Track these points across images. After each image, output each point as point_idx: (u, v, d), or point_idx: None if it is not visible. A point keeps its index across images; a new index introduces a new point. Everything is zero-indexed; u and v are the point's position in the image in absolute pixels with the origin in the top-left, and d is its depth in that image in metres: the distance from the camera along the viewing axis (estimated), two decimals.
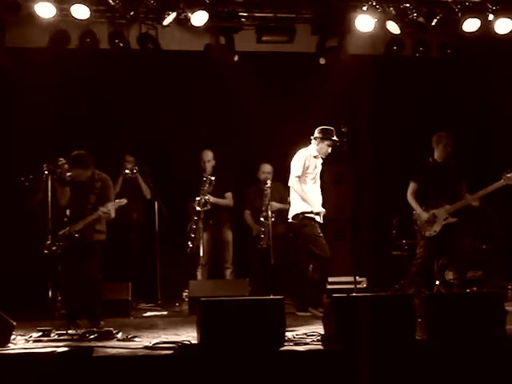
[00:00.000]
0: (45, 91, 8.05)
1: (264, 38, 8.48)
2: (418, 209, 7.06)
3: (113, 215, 6.45)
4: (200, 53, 8.53)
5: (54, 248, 6.27)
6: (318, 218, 6.99)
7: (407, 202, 7.19)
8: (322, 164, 7.12)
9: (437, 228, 6.96)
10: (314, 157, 7.04)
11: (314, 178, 7.05)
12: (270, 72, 8.88)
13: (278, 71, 8.95)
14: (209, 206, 7.77)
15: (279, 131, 8.57)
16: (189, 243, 7.78)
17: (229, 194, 8.19)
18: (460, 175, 7.09)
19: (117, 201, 6.45)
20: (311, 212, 6.91)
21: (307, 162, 6.98)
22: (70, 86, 8.38)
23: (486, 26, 8.15)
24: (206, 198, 7.78)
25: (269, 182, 8.02)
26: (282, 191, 8.23)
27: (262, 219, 7.95)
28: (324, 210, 6.98)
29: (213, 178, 7.85)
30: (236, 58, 8.43)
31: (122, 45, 8.24)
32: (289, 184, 7.10)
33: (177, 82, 8.66)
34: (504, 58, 8.82)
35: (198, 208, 7.78)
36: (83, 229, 6.28)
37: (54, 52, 8.10)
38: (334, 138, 6.94)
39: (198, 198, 7.79)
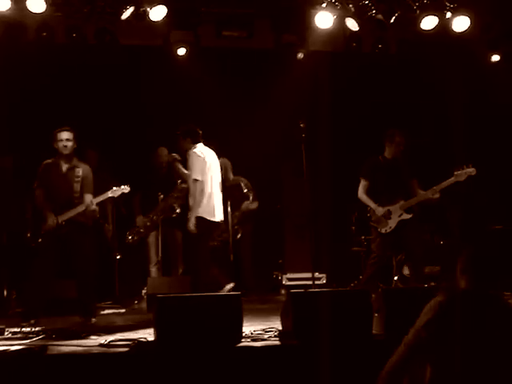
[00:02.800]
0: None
1: (224, 33, 8.44)
2: (371, 204, 7.07)
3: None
4: (159, 48, 8.45)
5: (39, 240, 6.17)
6: None
7: (359, 200, 7.18)
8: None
9: (392, 224, 6.98)
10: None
11: None
12: (230, 68, 8.86)
13: (238, 67, 8.93)
14: (176, 214, 7.76)
15: (239, 126, 8.55)
16: (128, 235, 7.90)
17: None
18: (410, 171, 7.12)
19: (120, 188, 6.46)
20: None
21: None
22: (24, 80, 8.23)
23: (444, 24, 8.23)
24: (175, 206, 7.79)
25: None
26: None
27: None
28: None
29: (183, 186, 7.80)
30: (182, 52, 8.38)
31: (79, 39, 8.12)
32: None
33: (135, 76, 8.59)
34: (460, 54, 8.93)
35: (177, 210, 7.79)
36: (70, 219, 6.21)
37: (8, 45, 7.93)
38: None
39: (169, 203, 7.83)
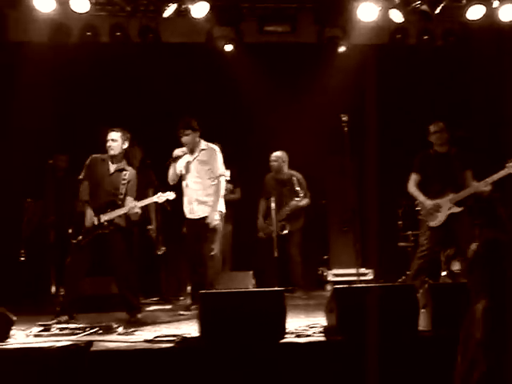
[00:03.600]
0: (45, 86, 8.02)
1: (266, 29, 8.41)
2: (420, 197, 6.94)
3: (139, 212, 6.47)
4: (201, 45, 8.47)
5: (79, 238, 6.20)
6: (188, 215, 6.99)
7: (409, 194, 7.07)
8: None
9: (441, 218, 6.83)
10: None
11: None
12: (273, 63, 8.82)
13: (281, 62, 8.89)
14: None
15: (283, 122, 8.50)
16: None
17: (237, 189, 8.24)
18: (463, 164, 6.96)
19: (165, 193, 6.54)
20: None
21: None
22: (71, 80, 8.35)
23: (491, 13, 8.05)
24: None
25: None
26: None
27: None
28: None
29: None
30: (230, 48, 8.36)
31: (123, 38, 8.21)
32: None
33: (179, 74, 8.63)
34: (509, 44, 8.71)
35: None
36: (113, 219, 6.27)
37: (54, 46, 8.05)
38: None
39: None
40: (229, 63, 8.47)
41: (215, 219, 6.80)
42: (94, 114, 8.34)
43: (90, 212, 6.28)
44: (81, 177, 6.46)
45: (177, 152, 6.91)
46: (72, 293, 6.22)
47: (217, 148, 7.03)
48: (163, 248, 8.19)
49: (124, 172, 6.41)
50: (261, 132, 8.77)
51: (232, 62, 8.45)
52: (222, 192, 6.96)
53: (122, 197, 6.34)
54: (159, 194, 6.57)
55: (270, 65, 8.75)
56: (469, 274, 3.17)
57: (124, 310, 6.34)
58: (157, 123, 8.57)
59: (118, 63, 8.52)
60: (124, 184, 6.36)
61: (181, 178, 7.01)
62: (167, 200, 7.72)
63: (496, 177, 6.80)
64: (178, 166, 6.96)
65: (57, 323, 5.71)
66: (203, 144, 7.01)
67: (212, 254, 6.78)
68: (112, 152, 6.37)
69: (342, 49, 8.62)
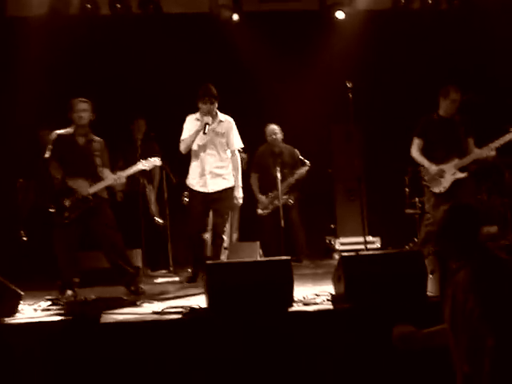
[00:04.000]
0: (46, 59, 7.95)
1: None
2: (425, 162, 6.85)
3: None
4: (203, 14, 8.39)
5: (66, 214, 6.05)
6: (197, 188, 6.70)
7: (413, 159, 7.00)
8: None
9: (446, 184, 6.75)
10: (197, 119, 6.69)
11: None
12: (275, 32, 8.72)
13: (282, 30, 8.78)
14: None
15: (286, 90, 8.43)
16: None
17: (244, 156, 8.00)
18: (466, 130, 6.87)
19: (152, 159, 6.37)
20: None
21: None
22: (71, 54, 8.26)
23: None
24: None
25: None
26: (293, 153, 8.20)
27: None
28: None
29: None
30: (235, 18, 8.25)
31: (123, 9, 8.14)
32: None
33: (181, 45, 8.50)
34: None
35: None
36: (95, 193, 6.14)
37: (53, 20, 7.98)
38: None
39: None
40: (230, 32, 8.39)
41: (241, 195, 6.73)
42: (94, 88, 8.23)
43: (79, 181, 6.10)
44: (47, 155, 6.20)
45: (208, 120, 6.46)
46: (70, 268, 6.15)
47: (233, 120, 6.77)
48: (161, 221, 8.14)
49: (94, 143, 6.23)
50: (264, 101, 8.69)
51: (234, 31, 8.37)
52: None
53: (100, 168, 6.21)
54: (143, 161, 6.34)
55: (272, 33, 8.65)
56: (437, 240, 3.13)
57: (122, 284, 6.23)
58: (160, 95, 8.51)
59: (119, 36, 8.40)
60: (97, 155, 6.20)
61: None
62: (172, 172, 7.76)
63: (500, 142, 6.72)
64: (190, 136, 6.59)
65: (64, 299, 5.71)
66: (220, 115, 6.71)
67: (225, 230, 6.70)
68: (83, 122, 6.14)
69: (342, 15, 8.49)
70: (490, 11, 8.57)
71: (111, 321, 4.71)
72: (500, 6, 8.54)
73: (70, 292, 5.97)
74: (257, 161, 8.35)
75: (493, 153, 6.76)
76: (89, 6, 8.02)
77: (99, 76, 8.35)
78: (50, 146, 6.18)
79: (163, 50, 8.44)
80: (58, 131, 6.23)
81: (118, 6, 8.04)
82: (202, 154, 6.62)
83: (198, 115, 6.67)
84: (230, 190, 6.67)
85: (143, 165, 6.33)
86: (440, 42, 8.91)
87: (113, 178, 6.18)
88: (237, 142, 6.75)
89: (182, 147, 6.65)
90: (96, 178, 6.16)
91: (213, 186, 6.60)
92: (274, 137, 8.15)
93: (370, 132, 8.80)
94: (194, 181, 6.68)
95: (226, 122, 6.71)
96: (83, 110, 6.14)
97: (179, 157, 6.87)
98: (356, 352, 4.58)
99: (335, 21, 8.62)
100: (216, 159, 6.63)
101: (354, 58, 8.56)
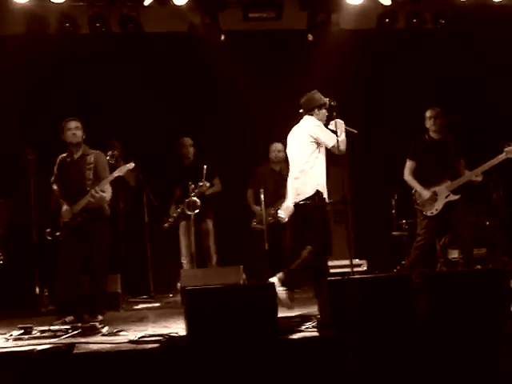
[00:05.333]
0: (24, 79, 7.76)
1: (251, 15, 8.19)
2: (417, 187, 6.75)
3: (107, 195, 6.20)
4: (184, 34, 8.25)
5: (57, 233, 6.06)
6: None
7: (405, 181, 6.87)
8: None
9: (438, 206, 6.65)
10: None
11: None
12: (258, 51, 8.58)
13: (267, 50, 8.64)
14: (197, 211, 7.52)
15: (269, 111, 8.26)
16: (165, 221, 7.80)
17: (217, 180, 7.95)
18: (457, 151, 6.77)
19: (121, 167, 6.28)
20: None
21: None
22: (51, 73, 8.09)
23: None
24: (197, 202, 7.53)
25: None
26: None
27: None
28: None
29: (207, 185, 7.59)
30: (222, 38, 8.13)
31: (103, 29, 7.98)
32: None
33: (162, 64, 8.37)
34: (501, 27, 8.51)
35: (188, 212, 7.55)
36: (85, 207, 6.06)
37: (32, 39, 7.79)
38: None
39: (187, 200, 7.56)
40: (213, 52, 8.22)
41: None
42: (73, 107, 8.06)
43: (64, 207, 6.11)
44: (52, 179, 6.31)
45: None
46: (71, 291, 6.01)
47: None
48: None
49: (88, 157, 6.19)
50: (247, 122, 8.53)
51: (216, 50, 8.20)
52: None
53: (90, 182, 6.10)
54: (118, 169, 6.29)
55: (255, 53, 8.52)
56: None
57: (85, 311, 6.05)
58: (139, 116, 8.32)
59: (99, 55, 8.23)
60: (90, 168, 6.13)
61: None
62: (153, 195, 7.57)
63: (492, 163, 6.64)
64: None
65: (62, 324, 5.55)
66: None
67: None
68: (76, 140, 6.15)
69: (327, 34, 8.39)
70: (476, 31, 8.48)
71: (85, 351, 4.47)
72: (485, 26, 8.45)
73: (70, 317, 5.80)
74: (255, 177, 8.20)
75: (479, 178, 6.68)
76: (67, 24, 7.81)
77: (78, 95, 8.15)
78: (54, 170, 6.28)
79: (144, 69, 8.29)
80: (61, 155, 6.28)
81: (98, 25, 7.84)
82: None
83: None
84: None
85: (120, 171, 6.25)
86: (425, 62, 8.82)
87: (90, 194, 6.04)
88: None
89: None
90: (84, 193, 6.07)
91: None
92: (281, 154, 7.96)
93: (356, 153, 8.61)
94: (324, 190, 6.17)
95: None
96: (75, 127, 6.17)
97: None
98: (342, 380, 4.37)
99: (319, 40, 8.48)
100: None
101: (340, 77, 8.43)
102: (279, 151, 8.01)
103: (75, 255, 6.04)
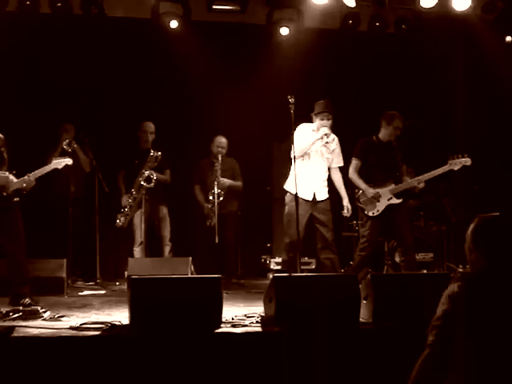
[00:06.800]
0: None
1: (215, 7, 8.13)
2: (362, 185, 6.81)
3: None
4: (147, 20, 8.16)
5: None
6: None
7: (350, 179, 6.93)
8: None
9: (380, 207, 6.73)
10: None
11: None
12: (220, 43, 8.53)
13: (228, 42, 8.60)
14: (153, 183, 7.42)
15: (229, 103, 8.23)
16: (119, 217, 7.50)
17: (167, 171, 7.82)
18: (402, 156, 6.87)
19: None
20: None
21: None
22: (8, 51, 7.88)
23: (444, 2, 7.96)
24: (153, 174, 7.43)
25: (220, 156, 7.73)
26: (233, 166, 7.98)
27: (210, 197, 7.66)
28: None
29: (159, 154, 7.48)
30: (174, 25, 8.13)
31: (64, 9, 7.84)
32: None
33: (122, 49, 8.25)
34: (462, 34, 8.66)
35: (142, 183, 7.42)
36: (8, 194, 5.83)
37: None
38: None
39: (144, 173, 7.43)
40: (175, 41, 8.17)
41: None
42: (25, 87, 7.92)
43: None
44: None
45: (323, 132, 6.70)
46: None
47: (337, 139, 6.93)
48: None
49: None
50: (202, 113, 8.50)
51: (178, 39, 8.16)
52: None
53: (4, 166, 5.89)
54: (54, 160, 6.22)
55: (217, 45, 8.47)
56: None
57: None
58: (95, 99, 8.21)
59: (58, 36, 8.08)
60: (3, 150, 5.89)
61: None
62: (104, 181, 7.48)
63: (435, 173, 6.76)
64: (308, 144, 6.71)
65: None
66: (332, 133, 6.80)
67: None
68: None
69: (290, 31, 8.40)
70: (437, 37, 8.59)
71: (23, 335, 4.38)
72: (447, 33, 8.58)
73: None
74: (198, 172, 8.12)
75: (421, 185, 6.80)
76: (28, 2, 7.64)
77: (32, 76, 8.01)
78: None
79: (103, 54, 8.17)
80: None
81: (59, 4, 7.70)
82: (312, 165, 6.85)
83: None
84: None
85: (57, 163, 6.18)
86: (386, 65, 8.90)
87: (22, 181, 5.86)
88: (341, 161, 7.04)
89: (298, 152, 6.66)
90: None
91: (321, 195, 6.91)
92: (219, 149, 7.92)
93: None
94: (300, 189, 6.55)
95: (336, 139, 6.93)
96: None
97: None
98: (282, 377, 4.37)
99: (281, 37, 8.49)
100: (323, 172, 6.92)
101: (300, 75, 8.44)
102: (222, 147, 7.95)
103: None
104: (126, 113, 8.24)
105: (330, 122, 6.77)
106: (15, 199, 5.89)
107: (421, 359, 2.87)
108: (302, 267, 7.59)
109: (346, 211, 6.95)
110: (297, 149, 6.59)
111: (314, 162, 6.83)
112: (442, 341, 2.80)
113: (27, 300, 5.72)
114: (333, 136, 6.85)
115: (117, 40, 8.22)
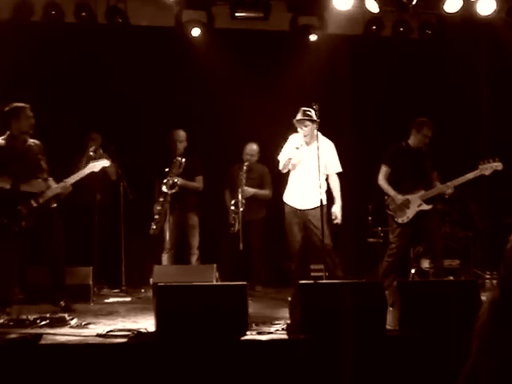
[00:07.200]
0: (6, 66, 7.65)
1: (238, 14, 8.15)
2: (391, 192, 6.78)
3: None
4: (171, 29, 8.20)
5: (23, 223, 5.81)
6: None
7: (379, 186, 6.89)
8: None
9: (410, 214, 6.68)
10: None
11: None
12: (244, 50, 8.55)
13: (252, 49, 8.61)
14: (177, 189, 7.42)
15: (256, 110, 8.25)
16: (152, 225, 7.48)
17: (199, 178, 7.80)
18: (432, 162, 6.81)
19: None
20: None
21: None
22: (34, 60, 7.99)
23: (469, 7, 7.90)
24: (175, 180, 7.44)
25: (245, 164, 7.77)
26: (262, 173, 7.98)
27: (232, 206, 7.68)
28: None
29: (183, 160, 7.51)
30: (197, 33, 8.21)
31: (88, 19, 7.92)
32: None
33: (147, 58, 8.32)
34: (486, 39, 8.58)
35: (165, 190, 7.44)
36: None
37: (16, 25, 7.71)
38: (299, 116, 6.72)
39: (165, 180, 7.45)
40: (198, 49, 8.21)
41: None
42: (51, 96, 7.99)
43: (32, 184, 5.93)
44: None
45: (298, 145, 6.70)
46: (8, 284, 5.90)
47: (332, 144, 6.91)
48: None
49: (33, 147, 6.03)
50: (229, 121, 8.51)
51: (202, 47, 8.19)
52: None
53: (45, 174, 6.02)
54: (91, 163, 6.33)
55: (240, 52, 8.48)
56: None
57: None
58: (121, 108, 8.26)
59: (84, 45, 8.16)
60: (40, 158, 6.01)
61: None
62: (130, 189, 7.51)
63: (465, 178, 6.68)
64: (293, 155, 6.75)
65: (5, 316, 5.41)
66: (321, 139, 6.64)
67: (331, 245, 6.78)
68: (31, 129, 6.02)
69: (313, 38, 8.40)
70: (462, 42, 8.53)
71: (51, 342, 4.42)
72: (471, 37, 8.52)
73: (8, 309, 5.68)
74: (229, 178, 8.17)
75: (450, 190, 6.71)
76: (53, 12, 7.73)
77: (59, 85, 8.09)
78: None
79: (128, 62, 8.23)
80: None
81: (84, 14, 7.78)
82: (301, 174, 6.92)
83: None
84: None
85: (94, 167, 6.29)
86: (410, 70, 8.85)
87: (61, 186, 5.99)
88: (338, 166, 7.04)
89: (282, 167, 6.92)
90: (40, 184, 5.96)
91: (310, 203, 6.85)
92: (248, 157, 7.95)
93: None
94: (292, 198, 6.93)
95: (326, 145, 6.86)
96: (32, 116, 6.01)
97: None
98: None
99: (306, 43, 8.48)
100: (313, 180, 6.68)
101: (323, 81, 8.43)
102: (251, 155, 8.01)
103: (25, 245, 5.96)
104: (155, 121, 8.29)
105: (307, 129, 6.68)
106: (53, 205, 6.03)
107: (467, 366, 2.81)
108: (320, 274, 7.59)
109: (333, 217, 6.89)
110: (280, 161, 6.78)
111: (303, 171, 6.82)
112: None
113: (62, 303, 5.90)
114: (320, 142, 6.59)
115: (141, 48, 8.27)
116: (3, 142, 5.98)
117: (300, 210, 6.83)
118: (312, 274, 8.23)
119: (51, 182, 6.01)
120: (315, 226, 6.70)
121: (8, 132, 6.01)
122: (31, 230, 5.87)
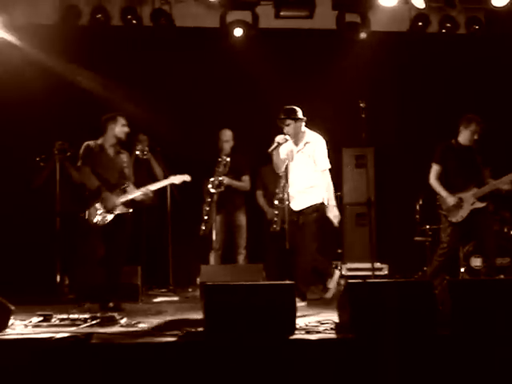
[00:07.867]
0: (54, 69, 7.81)
1: (282, 13, 8.14)
2: (443, 193, 6.68)
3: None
4: (216, 29, 8.23)
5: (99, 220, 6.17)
6: None
7: (430, 186, 6.80)
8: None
9: (463, 213, 6.57)
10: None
11: None
12: (289, 49, 8.53)
13: (297, 48, 8.58)
14: (222, 188, 7.45)
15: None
16: (201, 225, 7.51)
17: (246, 177, 7.83)
18: (484, 159, 6.69)
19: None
20: None
21: None
22: (81, 63, 8.10)
23: None
24: (220, 179, 7.47)
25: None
26: None
27: (276, 202, 7.65)
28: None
29: (228, 159, 7.53)
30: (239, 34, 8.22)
31: (134, 21, 8.02)
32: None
33: (192, 59, 8.36)
34: None
35: (211, 189, 7.47)
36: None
37: (64, 29, 7.84)
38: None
39: (211, 179, 7.48)
40: (243, 49, 8.21)
41: (337, 213, 6.77)
42: (99, 98, 8.10)
43: (107, 194, 6.22)
44: (79, 164, 6.36)
45: (278, 139, 6.49)
46: (88, 280, 6.25)
47: (322, 140, 6.76)
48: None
49: (122, 155, 6.40)
50: (274, 120, 8.49)
51: (246, 47, 8.20)
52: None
53: (128, 180, 6.33)
54: (173, 176, 6.60)
55: (286, 51, 8.47)
56: None
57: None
58: (167, 109, 8.32)
59: (130, 47, 8.26)
60: (126, 166, 6.34)
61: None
62: (176, 189, 7.58)
63: None
64: (282, 154, 6.66)
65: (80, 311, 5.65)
66: (308, 136, 6.66)
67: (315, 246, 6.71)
68: (125, 137, 6.38)
69: (362, 35, 8.33)
70: (510, 36, 8.36)
71: (102, 341, 4.48)
72: None
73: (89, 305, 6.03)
74: (260, 178, 8.14)
75: (507, 186, 6.58)
76: (100, 16, 7.85)
77: (106, 88, 8.17)
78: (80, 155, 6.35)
79: (174, 63, 8.30)
80: (88, 142, 6.36)
81: (129, 17, 7.88)
82: (290, 174, 6.79)
83: None
84: None
85: (175, 178, 6.61)
86: (458, 67, 8.71)
87: (142, 191, 6.31)
88: (325, 163, 6.82)
89: (275, 167, 6.84)
90: (124, 189, 6.31)
91: (301, 203, 6.79)
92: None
93: (382, 156, 8.58)
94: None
95: (314, 142, 6.73)
96: (126, 124, 6.34)
97: None
98: None
99: (351, 41, 8.43)
100: (303, 179, 6.75)
101: (369, 79, 8.38)
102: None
103: (100, 245, 6.20)
104: (202, 121, 8.35)
105: (289, 128, 6.56)
106: (129, 210, 6.34)
107: None
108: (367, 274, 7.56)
109: (332, 217, 6.79)
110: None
111: (292, 171, 6.72)
112: None
113: (111, 304, 6.08)
114: (308, 139, 6.66)
115: (187, 49, 8.32)
116: (97, 145, 6.33)
117: (297, 211, 6.75)
118: (352, 273, 8.22)
119: (131, 187, 6.34)
120: (306, 223, 6.70)
121: (102, 137, 6.34)
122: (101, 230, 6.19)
